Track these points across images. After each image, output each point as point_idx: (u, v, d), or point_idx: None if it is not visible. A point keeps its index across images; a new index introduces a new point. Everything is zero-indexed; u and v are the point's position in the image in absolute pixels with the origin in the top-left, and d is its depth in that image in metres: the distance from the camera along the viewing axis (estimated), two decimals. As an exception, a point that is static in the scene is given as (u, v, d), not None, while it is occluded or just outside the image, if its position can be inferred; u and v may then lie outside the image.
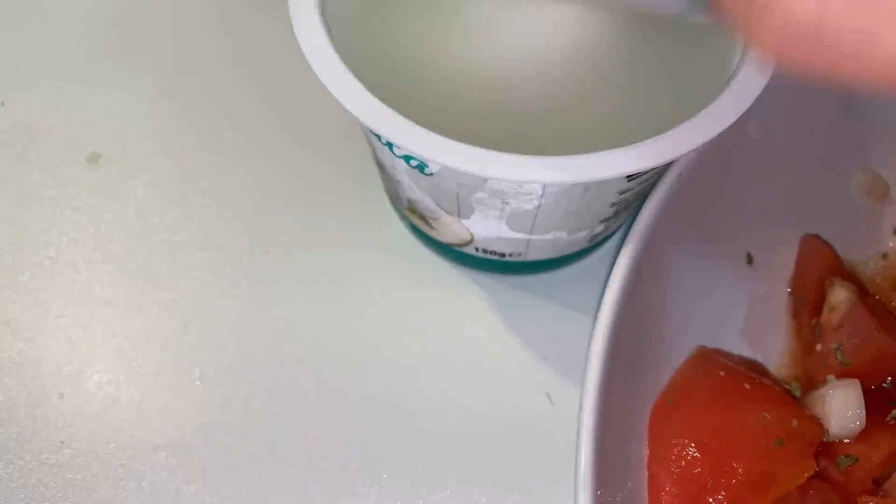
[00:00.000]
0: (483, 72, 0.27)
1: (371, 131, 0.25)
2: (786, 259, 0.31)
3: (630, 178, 0.27)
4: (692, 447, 0.25)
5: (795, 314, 0.31)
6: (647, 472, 0.26)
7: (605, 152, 0.24)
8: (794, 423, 0.26)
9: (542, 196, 0.27)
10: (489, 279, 0.34)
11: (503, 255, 0.32)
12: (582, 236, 0.31)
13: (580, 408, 0.24)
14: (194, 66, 0.38)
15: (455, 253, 0.34)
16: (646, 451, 0.26)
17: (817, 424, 0.27)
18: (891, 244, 0.33)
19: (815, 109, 0.31)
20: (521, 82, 0.27)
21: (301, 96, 0.37)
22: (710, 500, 0.25)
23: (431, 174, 0.27)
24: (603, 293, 0.25)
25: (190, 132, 0.37)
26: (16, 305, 0.33)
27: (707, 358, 0.28)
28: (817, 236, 0.31)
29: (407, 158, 0.26)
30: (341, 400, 0.32)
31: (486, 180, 0.26)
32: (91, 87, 0.38)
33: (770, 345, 0.30)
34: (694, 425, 0.26)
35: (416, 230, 0.34)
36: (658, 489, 0.26)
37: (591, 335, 0.25)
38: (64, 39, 0.39)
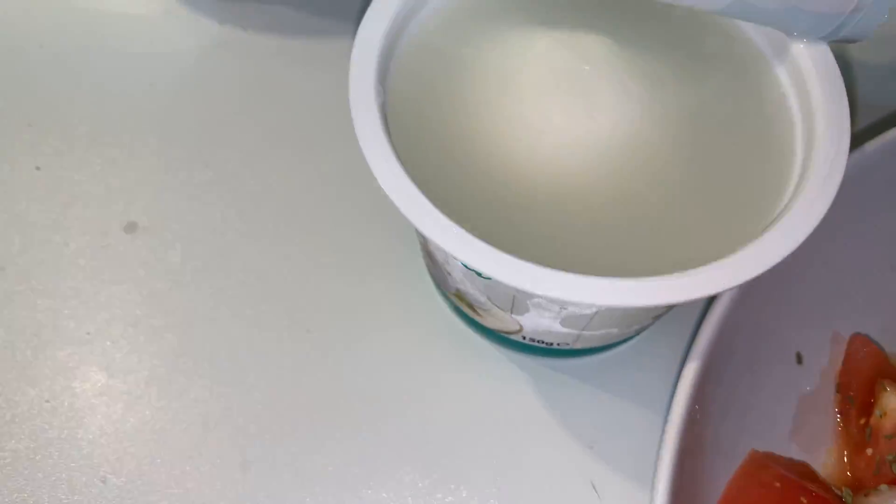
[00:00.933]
0: (538, 171, 0.27)
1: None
2: (835, 358, 0.31)
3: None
4: (751, 565, 0.25)
5: (843, 413, 0.31)
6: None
7: (662, 277, 0.24)
8: (852, 540, 0.26)
9: (599, 306, 0.27)
10: (531, 361, 0.34)
11: (550, 344, 0.32)
12: (633, 329, 0.31)
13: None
14: (232, 131, 0.38)
15: (499, 338, 0.33)
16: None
17: (873, 541, 0.27)
18: (937, 337, 0.33)
19: (862, 207, 0.31)
20: (576, 183, 0.27)
21: (343, 166, 0.37)
22: None
23: (489, 279, 0.26)
24: (668, 411, 0.25)
25: (227, 201, 0.36)
26: (55, 384, 0.32)
27: (760, 465, 0.28)
28: (866, 335, 0.31)
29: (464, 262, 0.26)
30: (381, 477, 0.31)
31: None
32: (128, 152, 0.37)
33: (818, 445, 0.30)
34: (752, 540, 0.26)
35: (459, 312, 0.34)
36: None
37: (658, 453, 0.25)
38: (100, 103, 0.38)
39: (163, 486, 0.31)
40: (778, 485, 0.27)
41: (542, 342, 0.32)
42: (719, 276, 0.24)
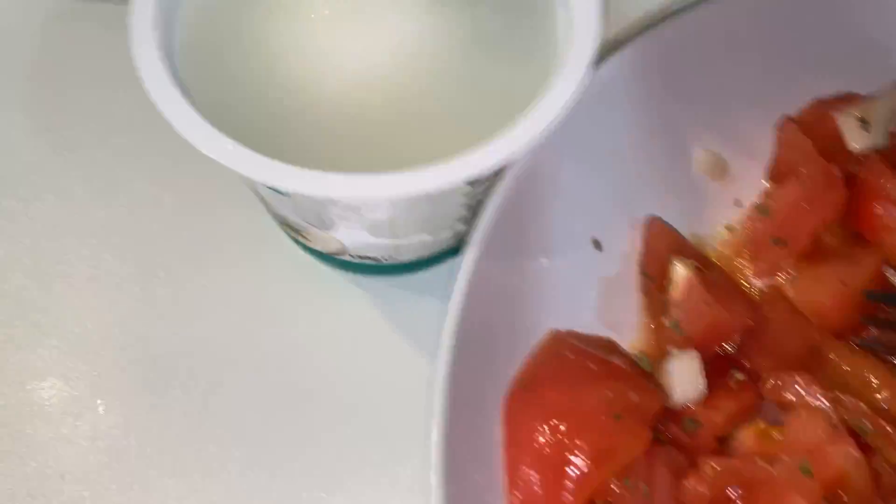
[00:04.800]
0: (325, 85, 0.29)
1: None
2: (634, 242, 0.34)
3: (472, 183, 0.29)
4: (542, 428, 0.28)
5: (646, 292, 0.33)
6: (504, 456, 0.28)
7: (436, 165, 0.26)
8: (633, 396, 0.28)
9: (391, 207, 0.29)
10: (371, 281, 0.36)
11: (378, 259, 0.34)
12: (446, 236, 0.34)
13: (429, 396, 0.26)
14: (71, 97, 0.39)
15: (334, 260, 0.35)
16: (502, 436, 0.29)
17: (655, 396, 0.29)
18: (734, 216, 0.35)
19: (648, 94, 0.33)
20: (364, 93, 0.29)
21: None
22: (563, 477, 0.27)
23: (287, 194, 0.29)
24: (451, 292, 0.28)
25: (72, 163, 0.38)
26: None
27: (558, 341, 0.30)
28: (660, 218, 0.34)
29: (263, 182, 0.28)
30: (238, 406, 0.33)
31: (332, 199, 0.28)
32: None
33: (625, 323, 0.33)
34: (543, 407, 0.28)
35: (297, 242, 0.36)
36: (514, 470, 0.28)
37: (440, 331, 0.27)
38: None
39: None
40: (570, 355, 0.29)
41: (369, 258, 0.34)
42: (471, 161, 0.26)
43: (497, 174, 0.30)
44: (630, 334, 0.33)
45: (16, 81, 0.39)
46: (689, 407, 0.31)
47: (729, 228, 0.35)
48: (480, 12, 0.30)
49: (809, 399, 0.29)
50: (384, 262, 0.35)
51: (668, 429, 0.30)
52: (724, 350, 0.32)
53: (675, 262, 0.32)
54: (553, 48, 0.29)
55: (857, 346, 0.32)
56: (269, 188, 0.28)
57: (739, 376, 0.31)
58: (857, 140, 0.34)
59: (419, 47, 0.30)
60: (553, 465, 0.27)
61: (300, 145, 0.28)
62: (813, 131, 0.34)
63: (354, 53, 0.30)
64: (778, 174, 0.35)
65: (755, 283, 0.34)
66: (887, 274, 0.33)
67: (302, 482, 0.32)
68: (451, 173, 0.26)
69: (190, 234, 0.37)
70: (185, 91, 0.27)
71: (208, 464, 0.32)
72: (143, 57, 0.27)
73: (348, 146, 0.29)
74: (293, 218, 0.32)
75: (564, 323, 0.31)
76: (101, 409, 0.33)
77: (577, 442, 0.27)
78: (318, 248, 0.34)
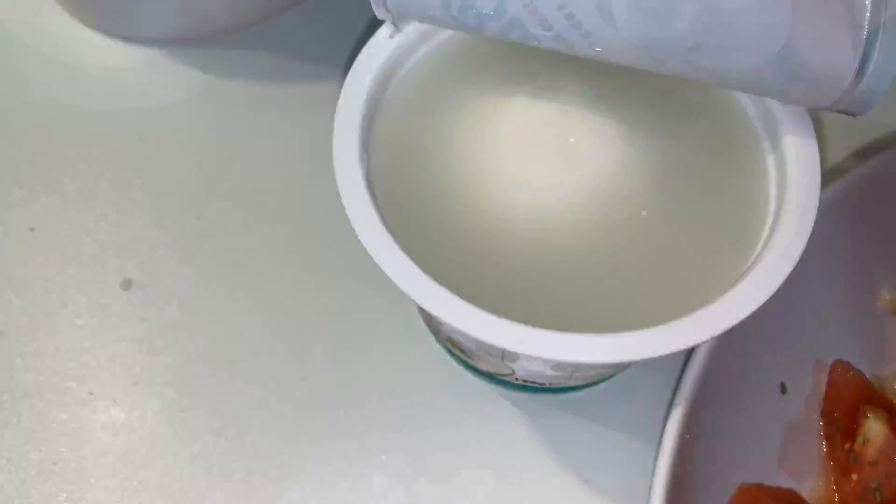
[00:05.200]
0: (519, 226, 0.28)
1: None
2: (818, 386, 0.32)
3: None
4: None
5: (829, 439, 0.32)
6: None
7: (643, 331, 0.24)
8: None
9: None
10: (525, 397, 0.35)
11: (543, 384, 0.33)
12: (618, 369, 0.32)
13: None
14: (222, 183, 0.38)
15: (493, 378, 0.34)
16: None
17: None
18: (917, 357, 0.34)
19: (839, 237, 0.32)
20: (556, 238, 0.28)
21: (334, 215, 0.37)
22: None
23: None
24: (659, 447, 0.26)
25: (220, 253, 0.37)
26: (55, 446, 0.33)
27: (750, 498, 0.29)
28: (847, 362, 0.32)
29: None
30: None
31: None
32: (120, 208, 0.38)
33: (805, 473, 0.31)
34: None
35: (452, 354, 0.35)
36: None
37: (650, 491, 0.26)
38: (90, 158, 0.39)
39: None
40: (767, 517, 0.28)
41: (535, 383, 0.33)
42: (695, 329, 0.24)
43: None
44: (810, 484, 0.31)
45: (166, 163, 0.39)
46: (882, 574, 0.29)
47: (912, 370, 0.34)
48: (686, 144, 0.29)
49: None
50: (548, 386, 0.33)
51: None
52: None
53: (869, 415, 0.30)
54: (764, 201, 0.28)
55: None
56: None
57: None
58: None
59: (617, 183, 0.28)
60: None
61: (485, 282, 0.27)
62: None
63: (549, 187, 0.28)
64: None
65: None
66: None
67: None
68: (670, 340, 0.25)
69: (340, 336, 0.36)
70: (390, 228, 0.26)
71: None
72: (349, 190, 0.26)
73: (537, 288, 0.27)
74: (467, 345, 0.30)
75: (750, 473, 0.30)
76: None
77: None
78: (483, 369, 0.33)
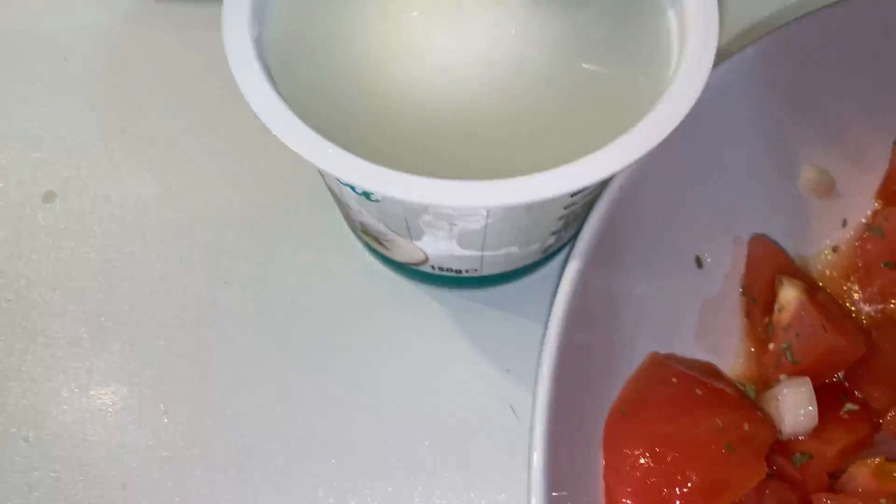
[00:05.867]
0: (422, 93, 0.28)
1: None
2: (737, 260, 0.32)
3: (573, 194, 0.27)
4: (646, 457, 0.26)
5: (748, 314, 0.31)
6: (603, 483, 0.26)
7: (542, 174, 0.24)
8: (746, 426, 0.26)
9: (487, 217, 0.27)
10: (448, 294, 0.35)
11: (459, 271, 0.33)
12: (534, 249, 0.32)
13: (531, 424, 0.24)
14: (145, 96, 0.38)
15: (412, 271, 0.34)
16: (601, 462, 0.27)
17: (769, 426, 0.27)
18: (841, 236, 0.33)
19: (756, 112, 0.31)
20: (461, 102, 0.28)
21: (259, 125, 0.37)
22: (667, 508, 0.25)
23: (377, 200, 0.27)
24: (551, 308, 0.26)
25: (144, 164, 0.37)
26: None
27: (660, 364, 0.28)
28: (765, 236, 0.32)
29: (352, 186, 0.27)
30: (309, 417, 0.32)
31: (428, 205, 0.26)
32: (41, 124, 0.38)
33: (725, 346, 0.31)
34: (647, 434, 0.26)
35: (373, 251, 0.35)
36: (614, 500, 0.26)
37: (540, 351, 0.25)
38: (11, 76, 0.39)
39: (91, 441, 0.31)
40: (674, 380, 0.27)
41: (451, 269, 0.32)
42: (581, 170, 0.24)
43: (601, 186, 0.29)
44: (730, 359, 0.31)
45: (91, 82, 0.39)
46: (799, 439, 0.28)
47: (835, 249, 0.33)
48: (586, 15, 0.29)
49: (937, 434, 0.26)
50: (465, 274, 0.33)
51: (774, 461, 0.28)
52: (832, 379, 0.30)
53: (784, 282, 0.30)
54: (665, 54, 0.28)
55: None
56: (360, 193, 0.27)
57: (853, 407, 0.29)
58: (976, 158, 0.32)
59: (520, 49, 0.28)
60: (657, 497, 0.25)
61: (394, 150, 0.27)
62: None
63: (451, 55, 0.28)
64: (890, 193, 0.33)
65: (864, 308, 0.32)
66: None
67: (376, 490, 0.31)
68: (557, 183, 0.24)
69: (261, 239, 0.35)
70: (276, 86, 0.26)
71: (272, 476, 0.31)
72: (237, 53, 0.26)
73: (445, 152, 0.27)
74: (377, 226, 0.30)
75: (665, 346, 0.29)
76: (164, 418, 0.32)
77: (687, 473, 0.25)
78: (399, 258, 0.33)
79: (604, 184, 0.29)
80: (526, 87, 0.28)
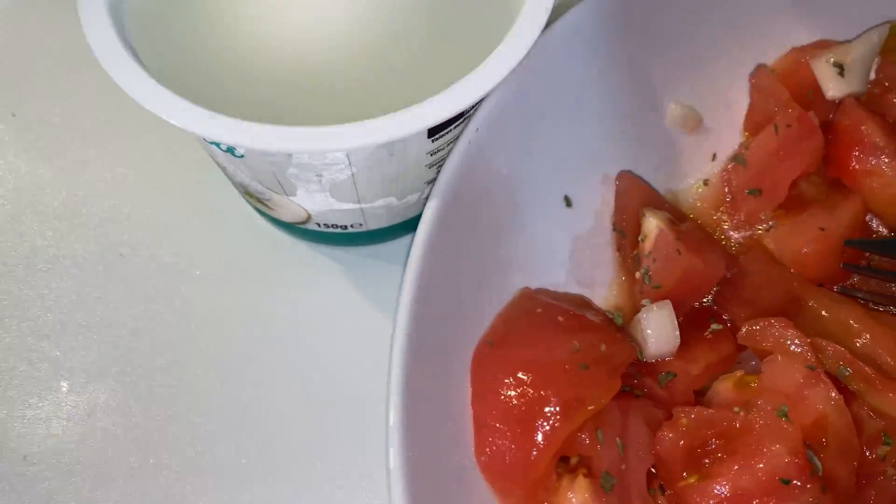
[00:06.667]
0: (280, 47, 0.29)
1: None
2: (607, 197, 0.33)
3: (433, 137, 0.29)
4: (509, 382, 0.27)
5: (619, 248, 0.32)
6: (471, 412, 0.28)
7: (393, 114, 0.25)
8: (603, 347, 0.28)
9: (350, 165, 0.28)
10: (341, 252, 0.36)
11: (345, 227, 0.34)
12: (413, 200, 0.33)
13: (389, 362, 0.25)
14: (42, 74, 0.39)
15: (302, 231, 0.35)
16: (469, 392, 0.28)
17: (626, 347, 0.29)
18: (711, 170, 0.34)
19: (619, 49, 0.32)
20: (318, 52, 0.29)
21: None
22: (531, 429, 0.26)
23: (242, 156, 0.28)
24: (410, 251, 0.27)
25: (42, 145, 0.38)
26: None
27: (528, 297, 0.30)
28: (630, 172, 0.33)
29: (217, 143, 0.28)
30: (203, 375, 0.33)
31: (289, 156, 0.27)
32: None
33: (599, 279, 0.32)
34: (510, 361, 0.27)
35: (263, 214, 0.35)
36: (482, 426, 0.27)
37: (399, 292, 0.26)
38: None
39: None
40: (539, 310, 0.29)
41: (336, 225, 0.33)
42: (430, 108, 0.25)
43: (460, 129, 0.30)
44: (604, 291, 0.32)
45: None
46: (666, 360, 0.30)
47: (706, 182, 0.34)
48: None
49: (787, 344, 0.28)
50: (352, 230, 0.34)
51: (643, 383, 0.29)
52: (702, 303, 0.32)
53: (646, 213, 0.31)
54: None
55: (837, 293, 0.31)
56: (226, 150, 0.28)
57: (717, 327, 0.30)
58: (833, 87, 0.33)
59: (374, 3, 0.29)
60: (521, 418, 0.26)
61: (259, 108, 0.28)
62: (789, 79, 0.34)
63: (307, 13, 0.29)
64: (754, 124, 0.34)
65: (734, 236, 0.33)
66: (867, 220, 0.32)
67: (271, 449, 0.32)
68: (408, 121, 0.25)
69: (154, 211, 0.36)
70: (136, 55, 0.27)
71: (174, 443, 0.32)
72: (90, 20, 0.27)
73: (309, 106, 0.28)
74: (253, 185, 0.31)
75: (537, 282, 0.31)
76: (64, 388, 0.33)
77: (543, 393, 0.26)
78: (285, 218, 0.34)
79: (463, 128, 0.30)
80: (382, 34, 0.29)
